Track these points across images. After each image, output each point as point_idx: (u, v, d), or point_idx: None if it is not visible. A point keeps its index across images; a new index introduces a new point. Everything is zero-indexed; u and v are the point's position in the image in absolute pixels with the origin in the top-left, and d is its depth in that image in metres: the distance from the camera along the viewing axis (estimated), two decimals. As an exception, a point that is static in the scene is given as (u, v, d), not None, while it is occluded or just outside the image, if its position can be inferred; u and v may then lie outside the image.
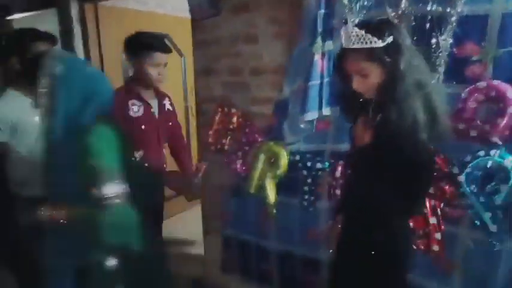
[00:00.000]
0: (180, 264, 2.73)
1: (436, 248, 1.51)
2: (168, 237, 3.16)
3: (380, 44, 1.09)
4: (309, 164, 1.87)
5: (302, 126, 1.78)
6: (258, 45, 2.04)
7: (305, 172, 1.89)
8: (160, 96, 1.86)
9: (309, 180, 1.90)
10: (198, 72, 2.38)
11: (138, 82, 1.72)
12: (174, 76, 3.43)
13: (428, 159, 1.21)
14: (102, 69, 2.88)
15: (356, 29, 1.12)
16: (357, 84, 1.18)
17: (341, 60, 1.21)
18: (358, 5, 1.60)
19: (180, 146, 2.07)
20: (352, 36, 1.11)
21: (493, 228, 1.38)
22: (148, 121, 1.75)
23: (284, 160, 1.84)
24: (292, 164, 1.89)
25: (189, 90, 3.50)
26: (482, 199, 1.38)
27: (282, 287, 2.12)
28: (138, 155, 1.70)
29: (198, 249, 2.68)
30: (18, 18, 3.36)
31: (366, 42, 1.09)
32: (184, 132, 3.55)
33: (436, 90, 1.19)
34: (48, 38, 1.75)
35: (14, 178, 1.72)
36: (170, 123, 1.87)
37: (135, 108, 1.69)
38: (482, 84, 1.35)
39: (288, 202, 1.97)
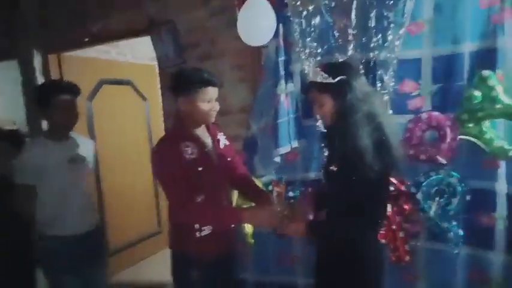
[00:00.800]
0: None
1: (407, 258, 1.68)
2: (138, 282, 3.13)
3: (331, 80, 1.30)
4: (291, 193, 1.99)
5: (276, 159, 1.93)
6: (223, 89, 2.20)
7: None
8: (213, 132, 1.66)
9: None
10: (166, 115, 2.49)
11: (187, 121, 1.53)
12: (138, 121, 3.50)
13: (377, 181, 1.28)
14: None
15: (315, 68, 1.41)
16: (315, 110, 1.42)
17: (308, 90, 1.44)
18: (309, 53, 1.84)
19: (246, 178, 1.78)
20: (313, 72, 1.39)
21: (450, 235, 1.59)
22: (205, 162, 1.54)
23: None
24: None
25: (153, 133, 3.57)
26: (438, 212, 1.60)
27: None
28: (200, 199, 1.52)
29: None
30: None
31: (320, 78, 1.32)
32: (151, 176, 3.63)
33: (387, 120, 1.36)
34: (70, 89, 1.80)
35: (41, 217, 1.76)
36: (229, 159, 1.66)
37: (189, 150, 1.50)
38: (424, 115, 1.61)
39: (264, 232, 2.06)
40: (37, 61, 2.86)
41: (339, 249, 1.36)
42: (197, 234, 1.51)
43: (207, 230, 1.52)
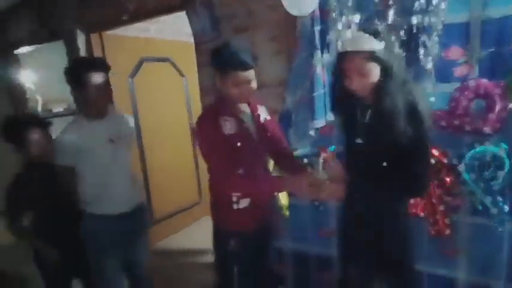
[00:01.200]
0: (193, 273, 2.85)
1: (448, 231, 1.64)
2: (180, 249, 3.31)
3: (379, 46, 1.22)
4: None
5: (311, 133, 1.91)
6: (258, 61, 2.19)
7: (314, 175, 2.02)
8: (253, 106, 1.63)
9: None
10: (203, 91, 2.52)
11: (226, 97, 1.51)
12: (177, 97, 3.59)
13: (419, 142, 1.27)
14: (111, 96, 3.02)
15: (361, 32, 1.26)
16: (356, 83, 1.27)
17: (341, 62, 1.30)
18: (346, 21, 1.76)
19: (287, 153, 1.74)
20: (355, 38, 1.25)
21: (494, 211, 1.52)
22: (244, 137, 1.53)
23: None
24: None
25: (192, 110, 3.65)
26: (482, 185, 1.52)
27: (294, 286, 2.22)
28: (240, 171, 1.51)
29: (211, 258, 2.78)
30: (26, 52, 3.52)
31: (367, 44, 1.22)
32: (191, 149, 3.75)
33: (414, 87, 1.32)
34: (99, 66, 1.77)
35: (83, 197, 1.82)
36: (269, 134, 1.63)
37: (228, 125, 1.49)
38: (471, 83, 1.51)
39: (299, 204, 2.09)
40: (81, 41, 2.98)
41: (372, 214, 1.37)
42: (234, 206, 1.55)
43: (244, 203, 1.56)
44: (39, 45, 3.40)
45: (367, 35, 1.23)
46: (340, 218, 1.62)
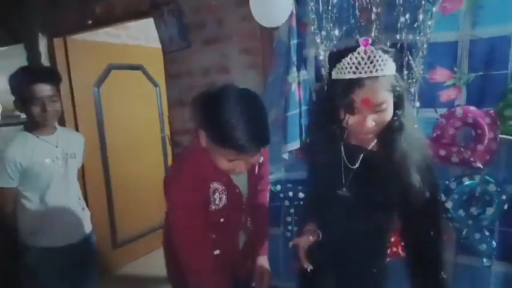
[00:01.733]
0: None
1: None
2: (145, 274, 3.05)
3: (394, 72, 0.95)
4: (290, 193, 1.82)
5: (284, 156, 1.73)
6: (230, 75, 2.02)
7: (287, 202, 1.84)
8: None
9: (291, 210, 1.85)
10: (171, 104, 2.34)
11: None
12: (149, 108, 3.37)
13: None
14: (73, 103, 2.78)
15: (380, 52, 0.91)
16: (370, 122, 0.95)
17: (349, 92, 0.94)
18: (325, 35, 1.61)
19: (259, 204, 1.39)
20: (370, 57, 0.91)
21: (482, 247, 1.38)
22: (233, 208, 1.19)
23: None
24: (273, 195, 1.83)
25: (165, 119, 3.43)
26: (470, 222, 1.38)
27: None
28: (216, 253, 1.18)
29: None
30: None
31: (385, 66, 0.91)
32: (162, 164, 3.51)
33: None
34: (48, 77, 1.59)
35: (24, 228, 1.61)
36: (254, 182, 1.30)
37: (217, 196, 1.12)
38: (458, 110, 1.36)
39: (271, 233, 1.90)
40: (43, 45, 2.75)
41: None
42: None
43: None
44: (-1, 48, 3.14)
45: (386, 56, 0.92)
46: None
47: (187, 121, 2.19)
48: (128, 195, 3.14)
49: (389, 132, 0.99)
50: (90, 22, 2.48)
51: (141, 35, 3.43)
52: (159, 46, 3.28)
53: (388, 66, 0.92)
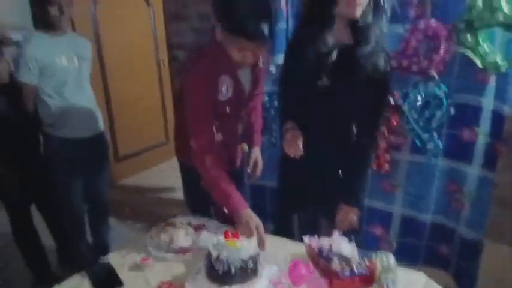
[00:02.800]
0: (161, 208, 2.96)
1: (386, 166, 1.78)
2: (145, 185, 3.39)
3: None
4: (276, 103, 2.05)
5: (272, 69, 1.93)
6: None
7: (273, 111, 2.07)
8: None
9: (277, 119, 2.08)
10: (168, 19, 2.44)
11: (226, 53, 1.27)
12: (143, 28, 3.45)
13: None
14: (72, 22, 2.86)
15: None
16: None
17: None
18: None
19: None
20: None
21: (430, 145, 1.66)
22: (236, 101, 1.37)
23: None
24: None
25: (159, 40, 3.54)
26: (421, 123, 1.64)
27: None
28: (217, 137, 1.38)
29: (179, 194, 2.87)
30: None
31: None
32: (158, 86, 3.68)
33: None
34: None
35: (45, 120, 1.82)
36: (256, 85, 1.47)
37: (225, 87, 1.30)
38: (421, 24, 1.55)
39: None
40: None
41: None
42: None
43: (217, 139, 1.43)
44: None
45: None
46: (287, 167, 1.55)
47: (184, 35, 2.32)
48: (127, 113, 3.36)
49: (363, 28, 1.21)
50: None
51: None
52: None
53: None
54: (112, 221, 2.32)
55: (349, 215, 1.39)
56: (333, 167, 1.39)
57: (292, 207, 1.55)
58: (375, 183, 1.86)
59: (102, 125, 2.04)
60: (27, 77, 1.71)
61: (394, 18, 1.63)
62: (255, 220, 1.23)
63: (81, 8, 2.85)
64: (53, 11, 1.70)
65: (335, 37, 1.24)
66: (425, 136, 1.64)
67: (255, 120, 1.68)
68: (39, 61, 1.71)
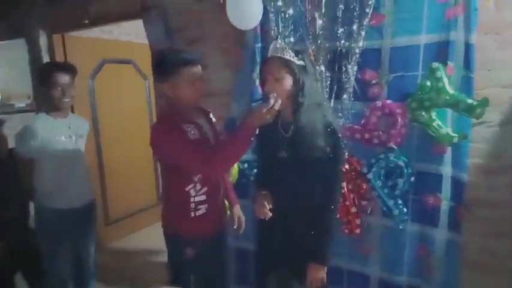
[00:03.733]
0: (146, 271, 2.97)
1: (358, 231, 1.87)
2: (135, 248, 3.40)
3: (295, 60, 1.42)
4: (255, 171, 2.18)
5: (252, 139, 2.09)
6: (208, 71, 2.35)
7: (252, 178, 2.20)
8: (205, 112, 1.68)
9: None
10: (158, 94, 2.67)
11: (179, 106, 1.52)
12: (139, 98, 3.71)
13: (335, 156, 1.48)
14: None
15: (282, 43, 1.48)
16: (269, 85, 1.43)
17: (264, 66, 1.49)
18: (284, 41, 1.97)
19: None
20: (279, 47, 1.44)
21: (395, 212, 1.76)
22: (205, 143, 1.55)
23: (234, 169, 2.15)
24: (242, 172, 2.20)
25: (153, 111, 3.77)
26: (386, 190, 1.76)
27: (236, 280, 2.39)
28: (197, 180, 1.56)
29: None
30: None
31: (286, 54, 1.42)
32: (151, 154, 3.82)
33: (328, 108, 1.54)
34: (68, 69, 1.97)
35: (41, 191, 1.93)
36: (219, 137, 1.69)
37: (191, 131, 1.50)
38: (378, 103, 1.75)
39: (242, 204, 2.25)
40: (43, 40, 3.07)
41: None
42: (192, 214, 1.56)
43: (203, 210, 1.57)
44: (1, 42, 3.44)
45: (289, 50, 1.44)
46: (261, 230, 1.70)
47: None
48: (119, 177, 3.49)
49: (294, 107, 1.45)
50: (86, 22, 2.80)
51: (132, 31, 3.75)
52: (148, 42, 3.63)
53: (288, 55, 1.41)
54: (98, 286, 2.33)
55: (319, 273, 1.49)
56: (299, 227, 1.53)
57: (267, 268, 1.65)
58: (352, 245, 1.93)
59: (93, 194, 2.17)
60: (27, 149, 1.84)
61: (356, 97, 1.83)
62: None
63: (79, 80, 3.11)
64: (57, 94, 1.89)
65: (282, 117, 1.51)
66: (390, 203, 1.75)
67: (227, 179, 1.83)
68: (41, 139, 1.86)
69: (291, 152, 1.49)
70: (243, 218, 1.84)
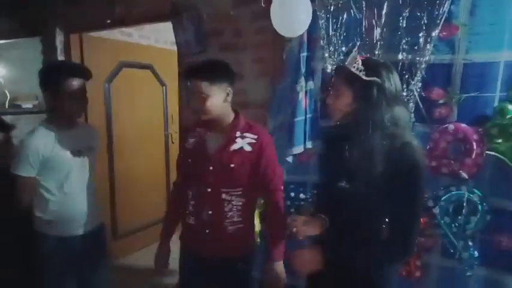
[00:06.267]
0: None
1: (418, 274, 1.62)
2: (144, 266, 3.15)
3: (362, 76, 1.14)
4: (292, 194, 1.95)
5: (288, 159, 1.87)
6: (243, 81, 2.15)
7: (288, 202, 1.97)
8: (233, 131, 1.46)
9: (292, 210, 1.98)
10: (183, 103, 2.45)
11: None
12: (155, 105, 3.49)
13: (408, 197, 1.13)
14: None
15: (357, 55, 1.18)
16: (329, 99, 1.24)
17: (335, 74, 1.27)
18: (335, 51, 1.76)
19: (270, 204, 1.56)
20: (351, 57, 1.17)
21: (464, 255, 1.51)
22: (198, 155, 1.48)
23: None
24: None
25: (169, 118, 3.56)
26: (454, 229, 1.52)
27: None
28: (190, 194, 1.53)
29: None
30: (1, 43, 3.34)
31: (355, 67, 1.15)
32: (164, 161, 3.62)
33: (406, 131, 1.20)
34: (81, 72, 1.65)
35: (41, 217, 1.63)
36: (233, 165, 1.44)
37: (190, 139, 1.53)
38: (451, 126, 1.51)
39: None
40: (59, 40, 2.86)
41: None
42: (186, 218, 1.54)
43: (192, 220, 1.53)
44: (15, 40, 3.24)
45: (360, 61, 1.16)
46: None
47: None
48: (130, 188, 3.24)
49: (351, 116, 1.20)
50: (108, 22, 2.59)
51: (152, 35, 3.57)
52: (169, 47, 3.44)
53: (352, 66, 1.15)
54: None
55: None
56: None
57: None
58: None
59: (101, 216, 1.87)
60: (26, 169, 1.56)
61: (419, 118, 1.60)
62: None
63: (96, 80, 2.90)
64: (67, 104, 1.58)
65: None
66: (459, 244, 1.50)
67: (270, 225, 1.57)
68: (42, 155, 1.56)
69: (352, 181, 1.18)
70: (282, 280, 1.49)
